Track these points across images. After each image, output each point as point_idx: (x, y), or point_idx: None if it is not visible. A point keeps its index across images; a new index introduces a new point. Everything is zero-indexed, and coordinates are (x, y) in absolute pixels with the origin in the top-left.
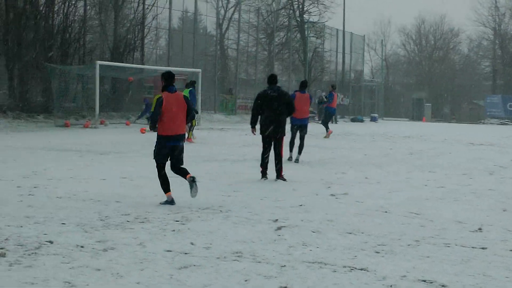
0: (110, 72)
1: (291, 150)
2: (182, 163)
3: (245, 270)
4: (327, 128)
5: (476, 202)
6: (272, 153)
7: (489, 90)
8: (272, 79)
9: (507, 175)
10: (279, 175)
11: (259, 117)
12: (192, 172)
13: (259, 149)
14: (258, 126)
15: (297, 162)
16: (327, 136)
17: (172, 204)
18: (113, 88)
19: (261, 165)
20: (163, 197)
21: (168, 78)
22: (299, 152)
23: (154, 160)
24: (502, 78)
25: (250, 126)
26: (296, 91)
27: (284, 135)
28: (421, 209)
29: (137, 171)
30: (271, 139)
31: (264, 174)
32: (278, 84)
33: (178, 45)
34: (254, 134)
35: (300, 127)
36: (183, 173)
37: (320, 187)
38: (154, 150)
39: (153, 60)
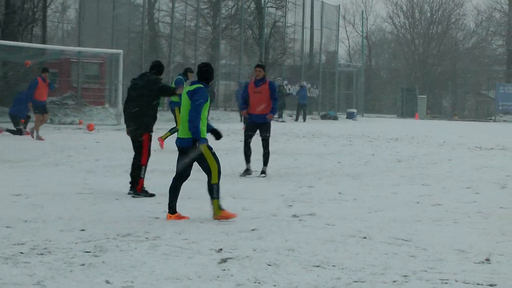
0: (1, 54)
1: (246, 161)
2: None
3: None
4: None
5: (482, 224)
6: None
7: (501, 77)
8: (152, 66)
9: None
10: (133, 187)
11: None
12: (108, 186)
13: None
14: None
15: (264, 176)
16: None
17: None
18: (5, 75)
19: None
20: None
21: None
22: (265, 163)
23: None
24: None
25: None
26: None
27: (147, 133)
28: (410, 234)
29: (34, 186)
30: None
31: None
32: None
33: (92, 18)
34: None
35: (258, 127)
36: None
37: (278, 205)
38: None
39: (58, 38)
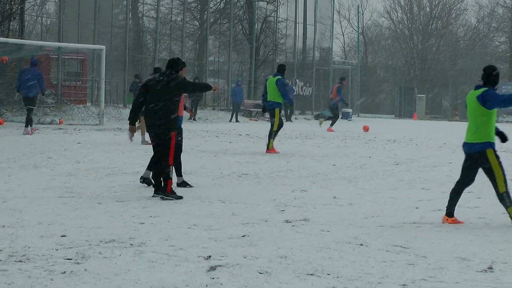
0: None
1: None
2: None
3: None
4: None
5: (485, 231)
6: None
7: (505, 76)
8: (169, 63)
9: None
10: (156, 190)
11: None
12: (90, 190)
13: (185, 157)
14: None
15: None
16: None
17: None
18: None
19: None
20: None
21: None
22: (178, 173)
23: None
24: None
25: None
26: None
27: (170, 138)
28: (409, 241)
29: (12, 189)
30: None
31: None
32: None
33: (73, 11)
34: (132, 137)
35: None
36: None
37: (270, 210)
38: None
39: (37, 33)
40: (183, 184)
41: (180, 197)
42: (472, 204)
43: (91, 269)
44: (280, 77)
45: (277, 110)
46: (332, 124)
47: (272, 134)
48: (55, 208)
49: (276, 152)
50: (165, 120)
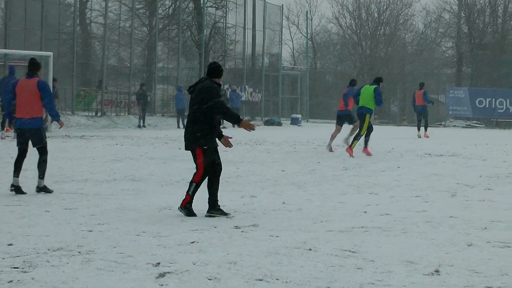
0: None
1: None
2: None
3: None
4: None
5: (432, 234)
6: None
7: (452, 80)
8: (208, 70)
9: (474, 197)
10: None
11: None
12: (37, 198)
13: (134, 164)
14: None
15: (39, 191)
16: None
17: None
18: None
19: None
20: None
21: None
22: (40, 175)
23: None
24: (469, 64)
25: None
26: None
27: (199, 146)
28: (357, 245)
29: None
30: None
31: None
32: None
33: (19, 18)
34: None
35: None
36: None
37: (219, 216)
38: None
39: None
40: (43, 189)
41: (193, 215)
42: (420, 208)
43: (38, 278)
44: (377, 86)
45: (367, 116)
46: (426, 129)
47: (358, 137)
48: (2, 216)
49: (370, 155)
50: (190, 131)
